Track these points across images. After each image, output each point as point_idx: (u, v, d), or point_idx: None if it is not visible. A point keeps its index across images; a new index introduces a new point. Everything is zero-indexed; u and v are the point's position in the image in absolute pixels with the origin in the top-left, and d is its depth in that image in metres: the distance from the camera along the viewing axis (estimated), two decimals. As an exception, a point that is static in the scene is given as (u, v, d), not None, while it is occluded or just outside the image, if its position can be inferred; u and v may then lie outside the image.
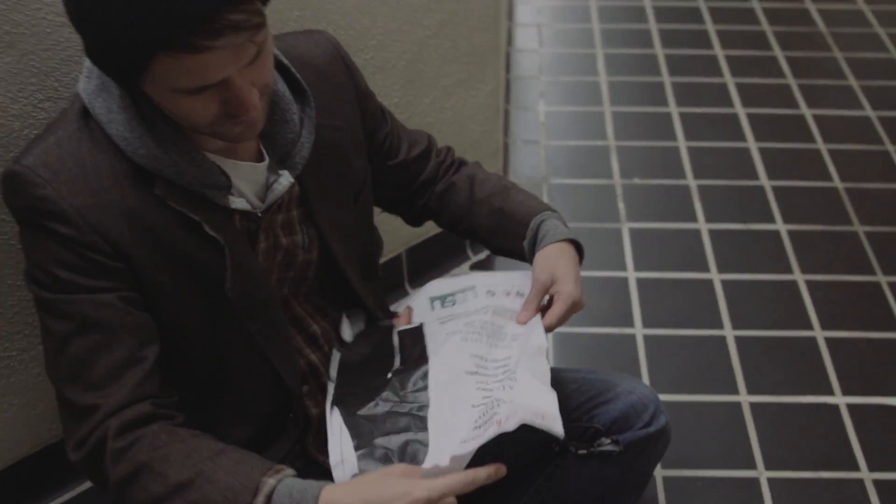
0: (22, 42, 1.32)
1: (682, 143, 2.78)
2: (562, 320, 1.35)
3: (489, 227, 1.50)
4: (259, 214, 1.27)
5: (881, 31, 3.38)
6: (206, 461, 1.17)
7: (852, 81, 3.09)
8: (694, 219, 2.49)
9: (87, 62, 1.20)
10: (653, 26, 3.43)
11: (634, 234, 2.44)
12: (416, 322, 1.42)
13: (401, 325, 1.42)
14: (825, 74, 3.14)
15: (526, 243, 1.43)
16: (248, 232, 1.28)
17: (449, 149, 1.58)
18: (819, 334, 2.17)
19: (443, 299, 1.44)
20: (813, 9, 3.55)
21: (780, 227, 2.47)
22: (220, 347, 1.29)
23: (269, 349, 1.31)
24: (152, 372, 1.20)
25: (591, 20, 3.48)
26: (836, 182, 2.64)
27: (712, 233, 2.45)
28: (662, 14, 3.51)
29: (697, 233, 2.45)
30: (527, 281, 1.41)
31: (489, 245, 1.52)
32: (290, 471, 1.17)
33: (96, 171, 1.15)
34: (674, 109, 2.94)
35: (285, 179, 1.28)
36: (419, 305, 1.45)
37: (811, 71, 3.15)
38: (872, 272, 2.32)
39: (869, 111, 2.94)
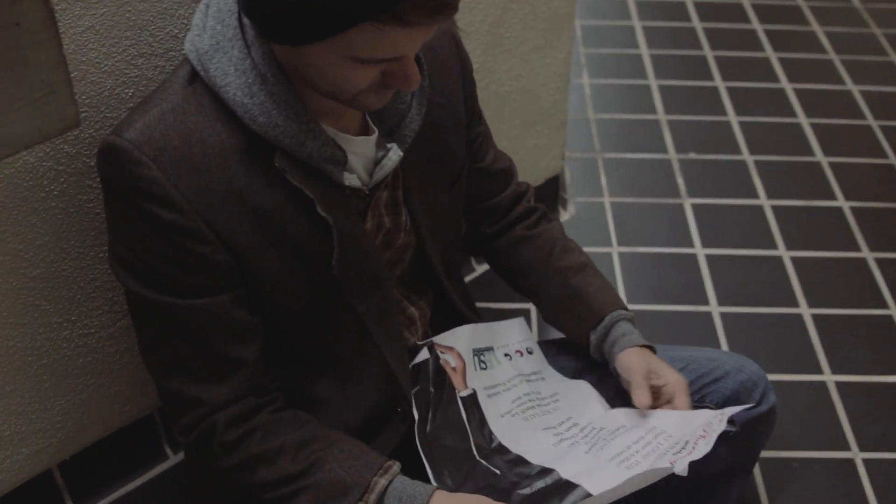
0: (120, -9, 1.22)
1: (733, 118, 2.71)
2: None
3: (557, 298, 1.43)
4: (367, 191, 1.20)
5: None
6: (319, 451, 1.17)
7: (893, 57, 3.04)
8: (755, 195, 2.42)
9: (198, 14, 1.10)
10: (689, 1, 3.35)
11: (697, 209, 2.37)
12: (469, 386, 1.36)
13: (460, 392, 1.34)
14: (869, 51, 3.07)
15: (594, 336, 1.38)
16: (357, 210, 1.20)
17: (529, 186, 1.51)
18: (897, 312, 2.11)
19: (479, 354, 1.40)
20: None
21: (843, 203, 2.40)
22: (328, 328, 1.23)
23: (377, 331, 1.24)
24: (255, 369, 1.18)
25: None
26: (892, 159, 2.58)
27: (775, 209, 2.37)
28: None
29: (760, 209, 2.37)
30: (526, 334, 1.46)
31: (546, 314, 1.48)
32: (397, 467, 1.17)
33: (203, 150, 1.07)
34: (720, 84, 2.86)
35: (394, 154, 1.19)
36: (468, 359, 1.39)
37: (855, 47, 3.09)
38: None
39: None
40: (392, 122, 1.20)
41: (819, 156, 2.57)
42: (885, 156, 2.58)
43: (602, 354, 1.38)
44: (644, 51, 3.01)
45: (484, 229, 1.47)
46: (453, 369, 1.35)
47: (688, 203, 2.39)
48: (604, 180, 2.45)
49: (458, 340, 1.37)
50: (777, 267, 2.21)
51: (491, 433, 1.31)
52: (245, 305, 1.15)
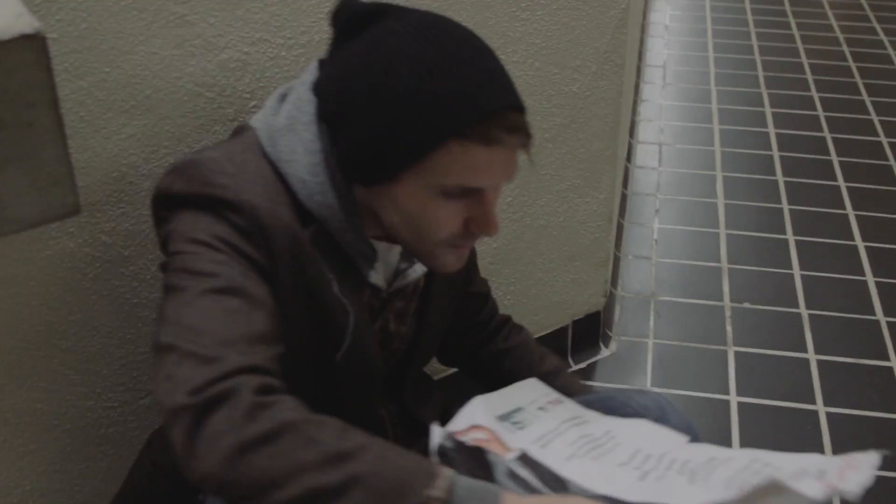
0: (160, 107, 1.41)
1: (797, 271, 2.74)
2: None
3: None
4: (384, 295, 1.28)
5: None
6: (366, 437, 1.00)
7: None
8: (804, 348, 2.44)
9: (272, 99, 1.22)
10: (775, 153, 3.41)
11: (740, 357, 2.40)
12: (514, 447, 1.22)
13: (506, 455, 1.19)
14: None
15: None
16: (370, 308, 1.29)
17: (493, 300, 1.62)
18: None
19: (509, 419, 1.31)
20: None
21: (895, 363, 2.39)
22: (307, 392, 1.14)
23: (351, 418, 1.16)
24: (280, 362, 1.08)
25: (714, 143, 3.49)
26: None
27: (820, 363, 2.38)
28: (785, 142, 3.50)
29: (806, 362, 2.39)
30: (546, 388, 1.41)
31: None
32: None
33: (274, 187, 1.14)
34: (790, 237, 2.90)
35: (420, 268, 1.28)
36: (497, 428, 1.26)
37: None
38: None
39: None
40: None
41: (879, 314, 2.57)
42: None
43: None
44: (720, 200, 3.09)
45: (467, 342, 1.58)
46: (486, 441, 1.20)
47: (731, 350, 2.42)
48: (652, 321, 2.51)
49: (476, 415, 1.26)
50: (811, 421, 2.21)
51: (565, 480, 1.16)
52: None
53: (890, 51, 4.38)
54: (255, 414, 0.96)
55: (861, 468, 1.01)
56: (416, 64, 1.08)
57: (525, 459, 1.19)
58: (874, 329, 2.52)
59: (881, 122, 3.67)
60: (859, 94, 3.92)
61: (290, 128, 1.16)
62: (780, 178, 3.25)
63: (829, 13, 4.89)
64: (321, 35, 1.50)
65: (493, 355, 1.58)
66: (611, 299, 2.49)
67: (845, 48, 4.39)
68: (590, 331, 2.34)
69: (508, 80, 1.12)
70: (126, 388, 1.59)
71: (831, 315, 2.57)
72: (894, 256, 2.83)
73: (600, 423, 1.33)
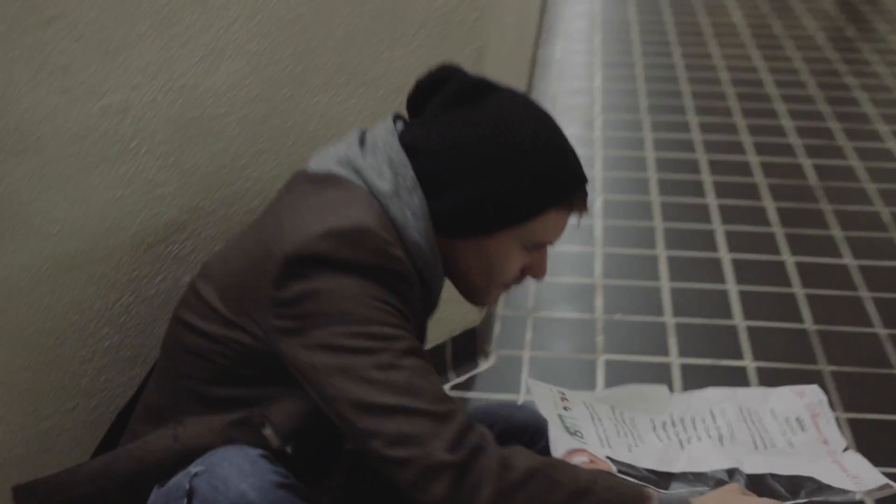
0: (48, 149, 1.55)
1: (665, 284, 2.95)
2: None
3: None
4: None
5: (868, 187, 3.57)
6: (586, 472, 1.20)
7: (836, 232, 3.26)
8: (666, 352, 2.65)
9: (353, 144, 1.34)
10: (652, 175, 3.65)
11: (609, 364, 2.60)
12: (604, 452, 1.34)
13: (611, 468, 1.30)
14: (813, 224, 3.31)
15: None
16: None
17: None
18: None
19: (568, 423, 1.39)
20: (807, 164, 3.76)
21: (749, 363, 2.60)
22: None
23: None
24: None
25: (595, 167, 3.71)
26: (808, 324, 2.78)
27: (683, 366, 2.59)
28: (663, 165, 3.74)
29: (668, 366, 2.59)
30: (547, 390, 1.46)
31: None
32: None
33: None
34: (662, 252, 3.12)
35: None
36: (584, 446, 1.35)
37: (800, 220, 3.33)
38: (832, 410, 2.44)
39: (849, 260, 3.09)
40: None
41: (738, 319, 2.79)
42: (801, 320, 2.79)
43: None
44: (598, 222, 3.31)
45: None
46: (591, 462, 1.30)
47: (601, 358, 2.62)
48: (529, 336, 2.70)
49: (559, 440, 1.33)
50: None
51: (658, 472, 1.33)
52: None
53: (764, 75, 4.67)
54: (506, 464, 1.14)
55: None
56: (533, 137, 1.28)
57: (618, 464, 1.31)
58: (731, 333, 2.74)
59: (753, 143, 3.94)
60: (730, 115, 4.19)
61: (396, 193, 1.28)
62: (656, 197, 3.48)
63: (712, 41, 5.18)
64: (195, 80, 1.66)
65: None
66: (489, 316, 2.67)
67: (727, 75, 4.67)
68: (468, 347, 2.52)
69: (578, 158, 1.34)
70: None
71: (694, 322, 2.78)
72: (755, 266, 3.07)
73: (600, 403, 1.46)
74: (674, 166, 3.72)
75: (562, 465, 1.20)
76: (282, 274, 1.22)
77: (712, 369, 2.57)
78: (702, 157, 3.79)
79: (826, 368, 2.55)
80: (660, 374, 2.53)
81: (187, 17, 1.61)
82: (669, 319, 2.78)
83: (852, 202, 3.42)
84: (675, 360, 2.61)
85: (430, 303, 1.40)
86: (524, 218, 1.29)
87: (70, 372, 1.64)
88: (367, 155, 1.32)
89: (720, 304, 2.85)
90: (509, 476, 1.15)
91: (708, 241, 3.20)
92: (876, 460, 1.50)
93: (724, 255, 3.11)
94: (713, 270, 3.02)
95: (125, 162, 1.62)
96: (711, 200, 3.46)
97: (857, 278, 2.95)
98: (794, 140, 3.92)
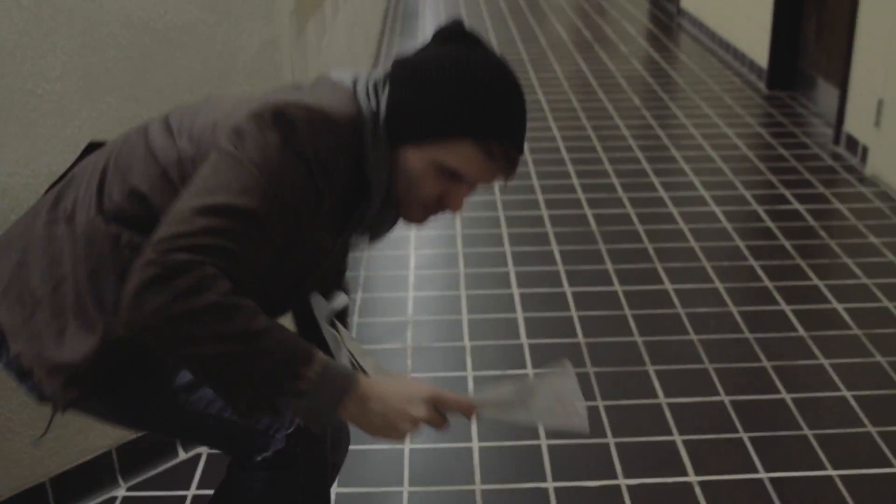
0: None
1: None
2: None
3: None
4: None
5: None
6: (272, 323, 1.31)
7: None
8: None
9: (366, 78, 1.50)
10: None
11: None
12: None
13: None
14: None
15: None
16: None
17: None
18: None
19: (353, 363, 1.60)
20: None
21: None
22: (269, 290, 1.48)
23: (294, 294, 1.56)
24: (244, 279, 1.34)
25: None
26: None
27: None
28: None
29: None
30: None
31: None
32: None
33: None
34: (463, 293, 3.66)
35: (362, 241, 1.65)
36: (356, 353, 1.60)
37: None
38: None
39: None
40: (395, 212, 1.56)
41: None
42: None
43: None
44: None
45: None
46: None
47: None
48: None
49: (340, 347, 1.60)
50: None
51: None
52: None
53: (589, 134, 5.33)
54: (198, 287, 1.25)
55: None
56: (487, 77, 1.41)
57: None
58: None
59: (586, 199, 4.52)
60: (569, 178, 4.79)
61: (368, 106, 1.45)
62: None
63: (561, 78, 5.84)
64: (58, 167, 2.19)
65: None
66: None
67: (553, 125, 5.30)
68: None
69: (525, 133, 1.47)
70: None
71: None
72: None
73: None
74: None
75: (249, 309, 1.29)
76: (256, 112, 1.39)
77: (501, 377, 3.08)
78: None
79: (592, 370, 3.07)
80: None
81: (49, 120, 2.15)
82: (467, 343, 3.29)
83: (622, 240, 4.03)
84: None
85: (372, 216, 1.52)
86: (441, 132, 1.41)
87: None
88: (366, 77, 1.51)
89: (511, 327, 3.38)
90: (192, 299, 1.24)
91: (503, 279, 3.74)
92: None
93: (515, 290, 3.67)
94: (506, 302, 3.55)
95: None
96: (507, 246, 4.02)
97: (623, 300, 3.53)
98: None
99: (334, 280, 1.78)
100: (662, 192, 4.37)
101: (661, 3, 8.88)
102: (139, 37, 2.30)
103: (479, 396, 1.46)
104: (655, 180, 4.52)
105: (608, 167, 4.72)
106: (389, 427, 1.38)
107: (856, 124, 4.72)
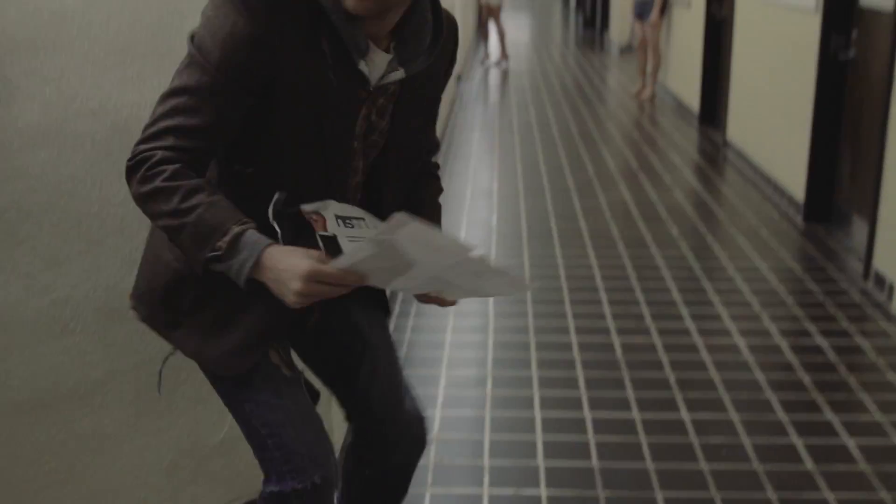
0: None
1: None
2: None
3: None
4: (371, 89, 1.71)
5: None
6: (201, 200, 1.55)
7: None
8: None
9: None
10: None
11: None
12: (329, 231, 1.65)
13: (319, 230, 1.64)
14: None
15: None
16: (359, 97, 1.71)
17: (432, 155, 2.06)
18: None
19: (344, 220, 1.70)
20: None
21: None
22: (291, 153, 1.68)
23: (330, 167, 1.72)
24: (205, 152, 1.62)
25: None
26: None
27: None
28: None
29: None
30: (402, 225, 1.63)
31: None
32: (252, 224, 1.57)
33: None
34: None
35: (399, 74, 1.71)
36: (328, 219, 1.68)
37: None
38: None
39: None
40: (407, 56, 1.72)
41: None
42: None
43: None
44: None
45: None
46: (314, 220, 1.66)
47: None
48: None
49: (327, 209, 1.69)
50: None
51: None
52: (243, 111, 1.62)
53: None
54: (147, 178, 1.57)
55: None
56: None
57: (330, 241, 1.62)
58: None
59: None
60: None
61: None
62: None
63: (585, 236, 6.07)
64: (115, 281, 2.45)
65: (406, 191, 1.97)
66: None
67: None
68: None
69: None
70: None
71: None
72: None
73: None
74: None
75: (183, 189, 1.56)
76: None
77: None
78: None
79: (602, 493, 3.24)
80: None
81: (111, 240, 2.42)
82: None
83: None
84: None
85: (355, 45, 1.64)
86: None
87: (21, 484, 2.34)
88: None
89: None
90: (143, 189, 1.58)
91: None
92: None
93: (537, 413, 3.83)
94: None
95: (64, 338, 2.39)
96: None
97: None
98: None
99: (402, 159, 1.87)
100: (690, 323, 4.53)
101: (709, 133, 9.15)
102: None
103: (346, 259, 1.53)
104: (684, 311, 4.69)
105: (640, 296, 4.90)
106: (283, 295, 1.55)
107: (884, 261, 4.86)
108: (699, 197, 6.94)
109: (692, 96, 9.72)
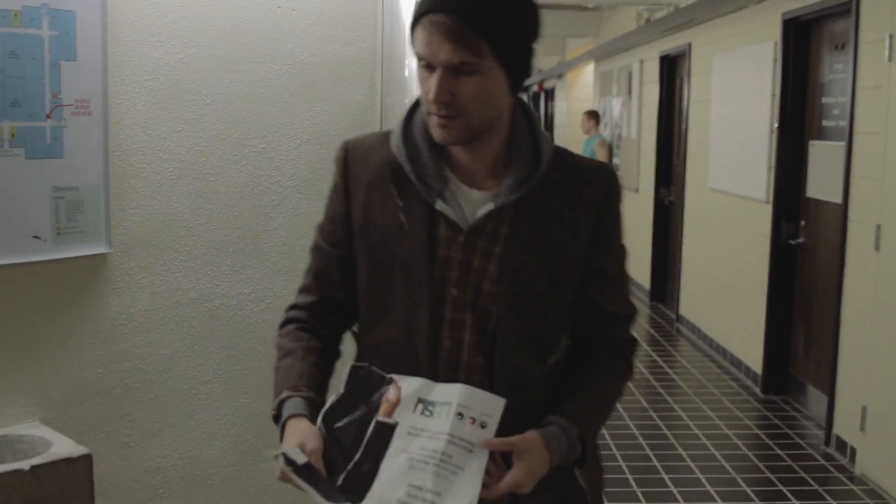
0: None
1: None
2: (504, 486, 1.49)
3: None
4: (464, 231, 1.59)
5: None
6: (283, 365, 1.68)
7: None
8: None
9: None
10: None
11: None
12: (394, 418, 1.54)
13: (380, 416, 1.55)
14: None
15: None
16: (452, 242, 1.59)
17: (633, 342, 1.75)
18: None
19: (426, 405, 1.53)
20: None
21: None
22: (385, 305, 1.66)
23: (415, 323, 1.60)
24: (321, 304, 1.72)
25: None
26: None
27: None
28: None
29: None
30: (496, 412, 1.51)
31: None
32: (304, 393, 1.62)
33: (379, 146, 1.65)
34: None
35: (486, 208, 1.58)
36: (405, 401, 1.55)
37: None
38: None
39: None
40: (506, 189, 1.58)
41: None
42: None
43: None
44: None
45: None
46: (387, 400, 1.55)
47: None
48: None
49: (410, 386, 1.55)
50: None
51: (375, 464, 1.51)
52: (340, 267, 1.70)
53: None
54: (279, 333, 1.75)
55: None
56: None
57: (386, 429, 1.52)
58: None
59: None
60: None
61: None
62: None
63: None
64: (204, 452, 2.73)
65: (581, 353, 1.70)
66: None
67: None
68: None
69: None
70: None
71: None
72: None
73: (470, 460, 1.48)
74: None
75: (283, 348, 1.71)
76: None
77: None
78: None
79: None
80: None
81: (198, 414, 2.72)
82: None
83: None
84: None
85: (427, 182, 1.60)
86: (412, 28, 1.53)
87: None
88: None
89: None
90: (277, 337, 1.74)
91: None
92: None
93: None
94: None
95: (154, 503, 2.65)
96: None
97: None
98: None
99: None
100: (672, 487, 4.85)
101: (660, 308, 9.65)
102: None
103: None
104: (665, 476, 5.02)
105: (622, 464, 5.22)
106: None
107: (844, 428, 5.26)
108: (661, 369, 7.35)
109: (642, 274, 10.25)
